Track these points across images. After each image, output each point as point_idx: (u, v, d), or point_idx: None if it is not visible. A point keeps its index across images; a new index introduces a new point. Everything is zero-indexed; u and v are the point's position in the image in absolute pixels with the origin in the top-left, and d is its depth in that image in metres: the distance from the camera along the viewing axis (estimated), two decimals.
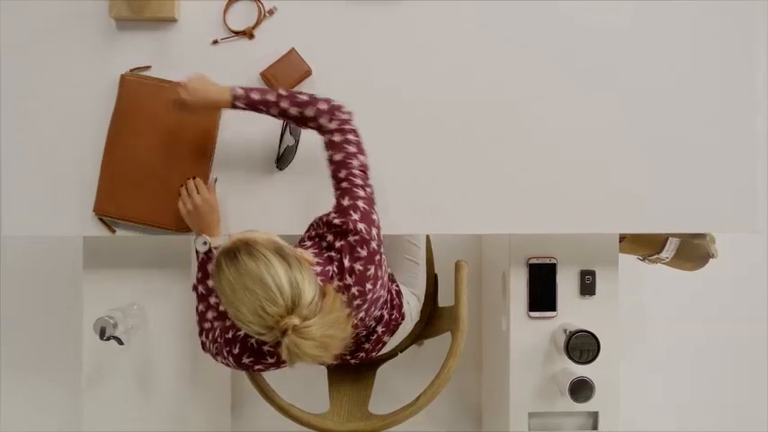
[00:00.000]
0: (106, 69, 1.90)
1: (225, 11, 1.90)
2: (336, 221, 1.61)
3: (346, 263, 1.59)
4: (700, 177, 1.92)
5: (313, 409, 1.98)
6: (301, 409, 1.89)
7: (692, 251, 2.16)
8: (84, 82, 1.90)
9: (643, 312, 2.88)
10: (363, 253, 1.60)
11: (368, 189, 1.66)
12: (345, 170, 1.65)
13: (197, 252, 1.76)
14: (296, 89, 1.89)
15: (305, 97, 1.69)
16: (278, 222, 1.92)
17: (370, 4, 1.90)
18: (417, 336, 2.20)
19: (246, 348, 1.61)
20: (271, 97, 1.68)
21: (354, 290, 1.61)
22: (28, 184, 1.91)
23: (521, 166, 1.92)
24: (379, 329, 1.87)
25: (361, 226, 1.60)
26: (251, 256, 1.39)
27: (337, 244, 1.61)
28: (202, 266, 1.75)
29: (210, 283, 1.71)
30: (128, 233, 1.91)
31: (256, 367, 1.63)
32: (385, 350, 2.00)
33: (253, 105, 1.69)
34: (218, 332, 1.67)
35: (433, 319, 2.22)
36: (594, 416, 2.04)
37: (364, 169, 1.67)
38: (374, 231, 1.62)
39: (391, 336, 1.94)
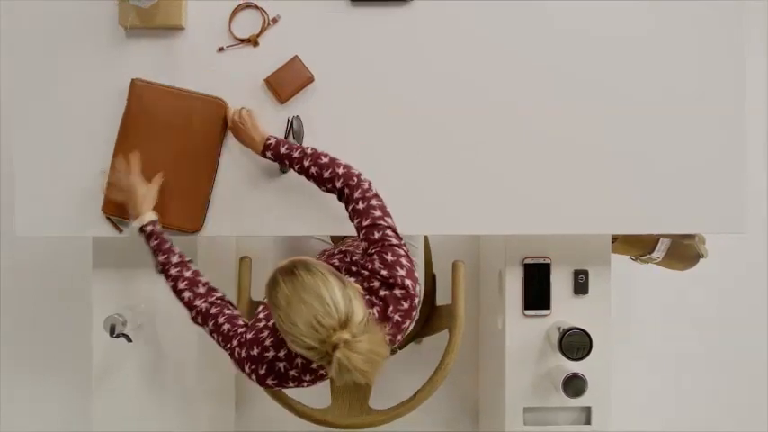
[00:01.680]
0: (116, 75, 1.92)
1: (230, 19, 1.92)
2: (384, 273, 1.63)
3: (390, 313, 1.61)
4: (688, 180, 1.94)
5: (315, 404, 2.02)
6: (304, 405, 1.92)
7: (683, 251, 2.18)
8: (94, 87, 1.92)
9: (635, 311, 2.89)
10: (405, 305, 1.62)
11: (404, 247, 1.68)
12: (378, 232, 1.67)
13: (141, 238, 1.78)
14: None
15: (326, 159, 1.75)
16: (281, 223, 1.94)
17: (369, 13, 1.93)
18: (416, 334, 2.22)
19: (273, 371, 1.61)
20: (296, 154, 1.78)
21: (388, 338, 1.61)
22: (41, 187, 1.93)
23: (517, 169, 1.95)
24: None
25: (408, 282, 1.62)
26: (309, 272, 1.42)
27: (382, 293, 1.62)
28: (149, 248, 1.77)
29: (164, 257, 1.74)
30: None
31: (276, 387, 1.64)
32: None
33: (279, 157, 1.79)
34: (238, 340, 1.65)
35: (432, 317, 2.24)
36: (587, 410, 2.06)
37: (395, 229, 1.69)
38: (417, 288, 1.65)
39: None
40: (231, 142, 1.93)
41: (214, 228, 1.94)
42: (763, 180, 2.91)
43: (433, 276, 2.29)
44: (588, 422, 2.06)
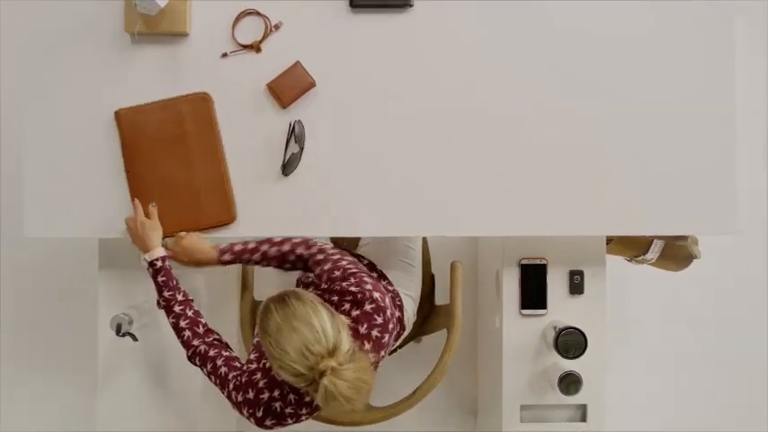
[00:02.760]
0: (122, 79, 1.95)
1: (233, 26, 1.95)
2: (353, 288, 1.67)
3: (363, 330, 1.65)
4: (681, 183, 1.97)
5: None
6: None
7: (676, 252, 2.21)
8: (101, 91, 1.95)
9: (634, 312, 2.89)
10: (379, 320, 1.66)
11: (367, 273, 1.72)
12: (339, 271, 1.72)
13: (149, 271, 1.82)
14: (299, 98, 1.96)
15: (279, 238, 1.81)
16: (283, 224, 1.97)
17: (369, 19, 1.95)
18: (415, 333, 2.25)
19: (270, 412, 1.65)
20: (251, 245, 1.82)
21: (371, 356, 1.63)
22: (49, 189, 1.96)
23: (514, 172, 1.97)
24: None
25: (376, 295, 1.66)
26: (300, 301, 1.48)
27: (354, 313, 1.66)
28: (155, 282, 1.81)
29: (169, 294, 1.78)
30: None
31: (276, 427, 1.67)
32: None
33: (238, 256, 1.83)
34: (233, 384, 1.68)
35: (431, 317, 2.27)
36: (583, 408, 2.08)
37: (355, 263, 1.74)
38: (387, 300, 1.69)
39: (395, 342, 2.02)
40: (236, 147, 1.96)
41: (214, 229, 1.96)
42: (763, 180, 2.90)
43: (432, 277, 2.32)
44: (584, 419, 2.08)
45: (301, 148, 1.94)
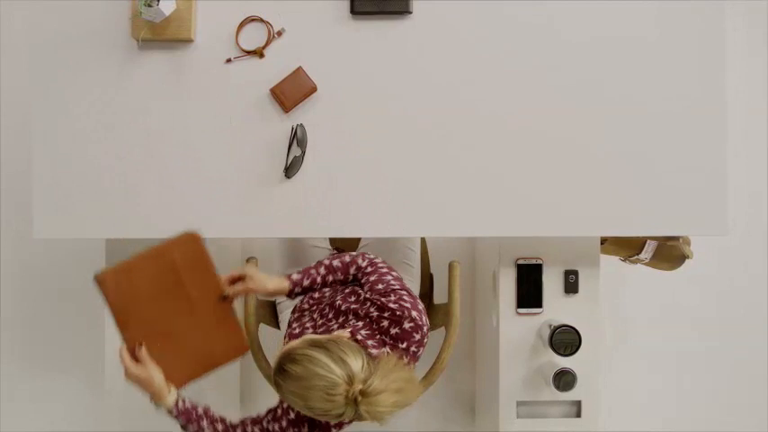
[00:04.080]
0: (129, 84, 1.97)
1: (237, 32, 1.97)
2: (392, 305, 1.70)
3: (402, 346, 1.70)
4: (673, 185, 1.98)
5: None
6: None
7: (668, 252, 2.23)
8: (108, 96, 1.97)
9: (635, 312, 2.88)
10: (417, 337, 1.71)
11: (407, 291, 1.74)
12: (383, 285, 1.74)
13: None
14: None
15: (337, 261, 1.82)
16: (285, 225, 1.99)
17: (370, 25, 1.98)
18: None
19: None
20: (317, 277, 1.80)
21: (411, 365, 1.72)
22: (57, 191, 1.98)
23: (510, 175, 1.99)
24: None
25: (414, 314, 1.70)
26: (295, 363, 1.51)
27: (393, 331, 1.71)
28: (181, 425, 1.74)
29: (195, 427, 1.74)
30: (147, 238, 1.99)
31: None
32: None
33: (305, 273, 1.80)
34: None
35: (429, 315, 2.20)
36: (578, 404, 2.10)
37: (400, 280, 1.77)
38: (425, 318, 1.73)
39: None
40: (241, 150, 1.98)
41: (220, 229, 1.99)
42: (763, 181, 2.90)
43: (431, 276, 2.33)
44: (578, 415, 2.10)
45: (303, 152, 1.96)
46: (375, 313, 1.72)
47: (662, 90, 1.99)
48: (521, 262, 2.09)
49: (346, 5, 1.98)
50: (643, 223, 2.00)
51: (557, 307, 2.10)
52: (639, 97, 1.99)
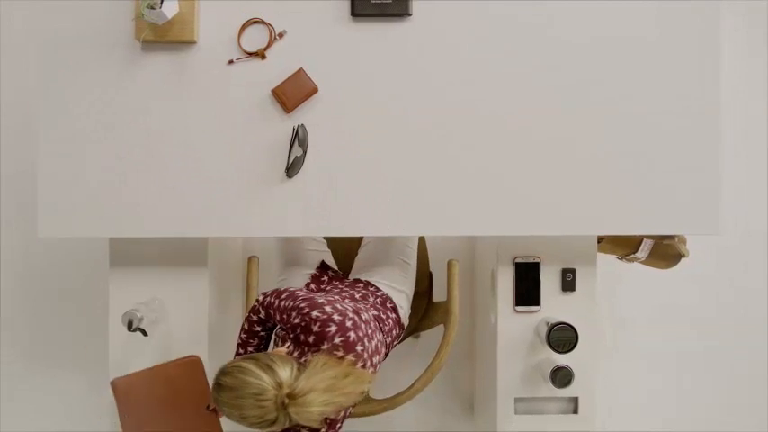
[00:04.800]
0: (132, 85, 1.99)
1: (239, 34, 1.99)
2: (296, 321, 1.75)
3: (326, 346, 1.70)
4: (668, 185, 2.00)
5: None
6: None
7: (664, 251, 2.24)
8: (111, 96, 1.99)
9: (635, 312, 2.89)
10: (333, 328, 1.72)
11: (303, 302, 1.77)
12: (284, 314, 1.79)
13: None
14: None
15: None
16: (287, 224, 2.00)
17: (369, 27, 1.99)
18: (414, 329, 2.29)
19: None
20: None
21: (350, 356, 1.72)
22: (61, 192, 2.00)
23: (508, 175, 2.00)
24: (389, 350, 2.03)
25: (315, 313, 1.73)
26: (226, 374, 1.58)
27: (310, 339, 1.73)
28: None
29: None
30: (153, 235, 2.02)
31: None
32: None
33: None
34: None
35: (429, 313, 2.30)
36: (575, 401, 2.11)
37: (293, 299, 1.79)
38: (329, 308, 1.74)
39: (398, 343, 2.08)
40: (243, 150, 2.00)
41: (222, 229, 2.01)
42: (763, 180, 2.91)
43: (430, 274, 2.35)
44: (575, 412, 2.11)
45: (305, 151, 1.98)
46: (292, 335, 1.76)
47: (657, 91, 2.00)
48: (519, 260, 2.11)
49: (347, 7, 2.00)
50: (639, 222, 2.01)
51: (554, 305, 2.11)
52: (635, 98, 2.01)
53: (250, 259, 2.15)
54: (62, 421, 2.89)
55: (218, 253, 2.27)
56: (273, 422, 1.56)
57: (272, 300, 1.84)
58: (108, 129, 2.00)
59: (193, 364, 1.99)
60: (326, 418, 1.72)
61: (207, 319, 2.12)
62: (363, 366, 1.74)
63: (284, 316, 1.79)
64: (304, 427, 1.70)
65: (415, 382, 2.01)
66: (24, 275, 2.90)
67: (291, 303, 1.78)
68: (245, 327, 1.92)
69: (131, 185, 2.01)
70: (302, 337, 1.74)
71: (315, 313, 1.73)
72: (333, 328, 1.72)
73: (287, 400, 1.54)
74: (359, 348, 1.74)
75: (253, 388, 1.55)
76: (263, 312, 1.87)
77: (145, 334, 2.01)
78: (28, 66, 2.90)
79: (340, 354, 1.71)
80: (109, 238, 2.07)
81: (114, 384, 1.97)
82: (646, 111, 2.01)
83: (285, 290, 1.85)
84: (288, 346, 1.77)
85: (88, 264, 2.90)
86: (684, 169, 2.01)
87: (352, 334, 1.73)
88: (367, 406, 2.04)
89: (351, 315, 1.76)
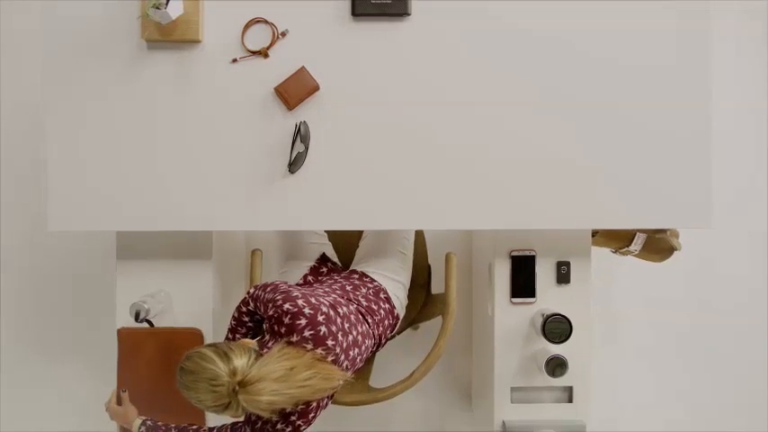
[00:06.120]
0: (139, 82, 2.02)
1: (243, 33, 2.02)
2: (270, 312, 1.77)
3: (295, 338, 1.73)
4: (660, 180, 2.03)
5: None
6: None
7: (657, 245, 2.27)
8: (119, 93, 2.02)
9: (636, 312, 2.90)
10: (303, 321, 1.74)
11: (280, 295, 1.80)
12: (265, 305, 1.81)
13: None
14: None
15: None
16: (289, 218, 2.03)
17: (370, 26, 2.02)
18: (413, 320, 2.31)
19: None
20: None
21: (319, 351, 1.74)
22: (70, 187, 2.03)
23: (505, 170, 2.03)
24: (383, 339, 2.07)
25: (286, 306, 1.75)
26: (187, 359, 1.65)
27: (282, 330, 1.75)
28: None
29: None
30: (157, 229, 2.05)
31: None
32: None
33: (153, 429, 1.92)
34: None
35: (427, 305, 2.33)
36: (569, 390, 2.13)
37: (272, 290, 1.83)
38: (301, 302, 1.76)
39: (392, 332, 2.12)
40: (246, 146, 2.02)
41: (226, 222, 2.04)
42: (763, 179, 2.91)
43: (429, 267, 2.38)
44: (570, 401, 2.14)
45: (306, 148, 2.00)
46: (267, 325, 1.80)
47: (649, 88, 2.03)
48: (515, 254, 2.13)
49: (347, 7, 2.03)
50: (632, 216, 2.04)
51: (549, 297, 2.14)
52: (627, 96, 2.03)
53: (253, 252, 2.18)
54: (67, 410, 2.91)
55: (222, 246, 2.30)
56: (227, 407, 1.62)
57: (259, 292, 1.87)
58: (115, 125, 2.03)
59: (194, 335, 2.06)
60: (283, 409, 1.72)
61: (211, 311, 2.15)
62: (335, 361, 1.75)
63: (264, 307, 1.82)
64: (260, 417, 1.74)
65: (414, 372, 2.04)
66: (31, 269, 2.91)
67: (271, 296, 1.81)
68: (235, 315, 1.96)
69: (138, 181, 2.04)
70: (275, 328, 1.77)
71: (287, 306, 1.76)
72: (303, 322, 1.74)
73: (237, 387, 1.59)
74: (330, 342, 1.75)
75: (208, 373, 1.61)
76: (251, 304, 1.90)
77: (151, 325, 2.06)
78: (28, 65, 2.90)
79: (309, 347, 1.73)
80: (116, 231, 2.10)
81: (120, 332, 2.07)
82: (638, 108, 2.03)
83: (272, 283, 1.88)
84: (261, 338, 1.81)
85: (96, 256, 2.92)
86: (676, 165, 2.03)
87: (323, 328, 1.75)
88: (367, 395, 2.07)
89: (324, 309, 1.78)
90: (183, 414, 2.07)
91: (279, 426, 1.75)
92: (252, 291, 1.91)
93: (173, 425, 1.91)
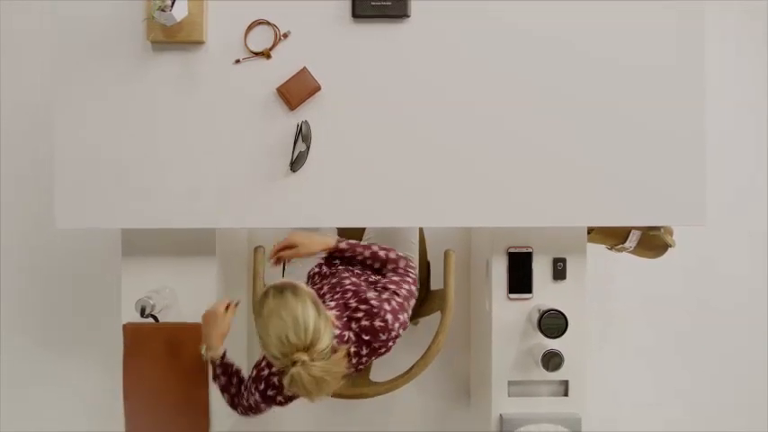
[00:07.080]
0: (144, 82, 2.04)
1: (246, 35, 2.04)
2: (373, 302, 1.78)
3: (366, 337, 1.77)
4: (655, 178, 2.05)
5: None
6: None
7: (651, 242, 2.29)
8: (124, 94, 2.05)
9: (636, 311, 2.90)
10: (383, 337, 1.78)
11: (404, 299, 1.83)
12: (395, 285, 1.85)
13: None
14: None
15: (383, 253, 1.95)
16: (291, 217, 2.06)
17: (370, 28, 2.05)
18: (413, 316, 2.25)
19: (270, 384, 1.81)
20: (358, 255, 1.95)
21: (364, 359, 1.79)
22: (77, 185, 2.05)
23: (503, 169, 2.05)
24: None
25: (389, 317, 1.78)
26: (295, 295, 1.60)
27: (363, 322, 1.77)
28: (214, 374, 1.94)
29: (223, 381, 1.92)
30: (160, 226, 2.08)
31: (278, 398, 1.83)
32: None
33: (342, 258, 1.97)
34: (247, 382, 1.86)
35: (427, 301, 2.35)
36: (565, 384, 2.17)
37: (412, 294, 1.87)
38: (398, 326, 1.79)
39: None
40: (248, 145, 2.04)
41: (229, 220, 2.06)
42: (763, 178, 2.92)
43: (428, 264, 2.40)
44: (566, 394, 2.17)
45: (308, 147, 2.03)
46: (353, 302, 1.81)
47: (644, 87, 2.05)
48: (512, 250, 2.15)
49: (348, 9, 2.05)
50: (627, 214, 2.07)
51: (546, 292, 2.16)
52: (623, 95, 2.05)
53: (256, 249, 2.19)
54: (68, 410, 2.92)
55: (225, 243, 2.32)
56: (274, 358, 1.60)
57: (412, 275, 1.91)
58: (120, 125, 2.05)
59: (198, 331, 2.06)
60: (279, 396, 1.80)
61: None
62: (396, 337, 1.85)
63: (392, 287, 1.84)
64: (273, 373, 1.79)
65: (413, 366, 2.06)
66: (31, 269, 2.91)
67: (404, 292, 1.86)
68: (384, 256, 1.95)
69: (143, 179, 2.07)
70: (359, 314, 1.77)
71: (389, 316, 1.79)
72: (383, 337, 1.79)
73: (299, 364, 1.56)
74: (369, 359, 1.84)
75: (295, 324, 1.56)
76: (401, 269, 1.91)
77: (156, 320, 2.09)
78: (28, 65, 2.90)
79: (353, 350, 1.77)
80: (121, 229, 2.13)
81: (126, 328, 2.10)
82: (633, 107, 2.06)
83: (415, 281, 1.92)
84: (328, 302, 1.82)
85: (101, 253, 2.92)
86: (671, 163, 2.06)
87: (383, 351, 1.83)
88: (368, 388, 2.09)
89: (394, 337, 1.82)
90: (186, 408, 2.11)
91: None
92: (410, 264, 1.94)
93: (236, 376, 1.91)
